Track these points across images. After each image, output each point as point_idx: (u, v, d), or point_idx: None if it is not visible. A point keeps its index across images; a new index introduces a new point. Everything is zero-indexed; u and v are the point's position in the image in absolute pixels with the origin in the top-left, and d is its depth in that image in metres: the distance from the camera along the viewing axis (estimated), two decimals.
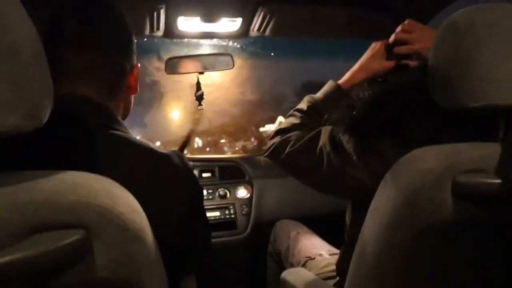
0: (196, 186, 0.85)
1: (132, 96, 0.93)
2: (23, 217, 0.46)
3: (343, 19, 1.62)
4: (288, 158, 1.10)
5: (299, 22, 1.66)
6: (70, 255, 0.47)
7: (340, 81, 1.24)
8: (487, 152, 0.68)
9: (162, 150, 0.80)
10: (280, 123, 1.24)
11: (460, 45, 0.70)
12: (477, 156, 0.67)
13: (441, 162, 0.67)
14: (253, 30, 1.67)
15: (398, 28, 1.17)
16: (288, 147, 1.09)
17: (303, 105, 1.22)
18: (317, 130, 1.06)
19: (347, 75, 1.24)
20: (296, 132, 1.13)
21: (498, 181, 0.63)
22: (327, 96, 1.21)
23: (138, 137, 0.81)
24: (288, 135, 1.13)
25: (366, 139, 0.91)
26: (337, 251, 1.39)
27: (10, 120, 0.45)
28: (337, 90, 1.21)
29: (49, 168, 0.53)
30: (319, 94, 1.23)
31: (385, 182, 0.75)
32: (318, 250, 1.47)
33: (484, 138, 0.72)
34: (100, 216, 0.50)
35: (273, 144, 1.16)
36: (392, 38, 1.18)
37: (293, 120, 1.19)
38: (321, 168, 1.00)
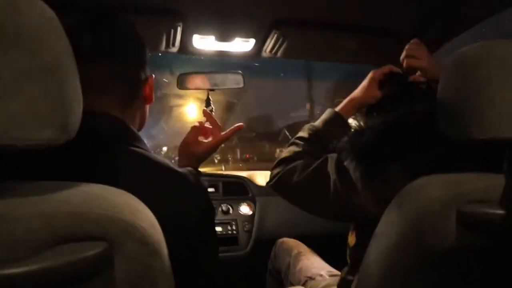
0: (208, 205, 0.87)
1: (147, 106, 0.95)
2: (51, 227, 0.47)
3: (353, 45, 1.65)
4: (294, 189, 1.09)
5: (310, 45, 1.69)
6: (92, 266, 0.48)
7: (337, 109, 1.25)
8: (492, 183, 0.70)
9: (179, 169, 0.82)
10: (281, 152, 1.24)
11: (469, 79, 0.72)
12: (482, 186, 0.69)
13: (447, 191, 0.69)
14: (265, 51, 1.70)
15: (408, 50, 1.22)
16: (295, 177, 1.07)
17: (304, 133, 1.22)
18: (323, 158, 1.05)
19: (344, 103, 1.26)
20: (300, 161, 1.11)
21: (502, 212, 0.65)
22: (326, 123, 1.22)
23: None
24: (292, 164, 1.11)
25: (374, 166, 0.93)
26: (337, 272, 1.40)
27: (45, 134, 0.47)
28: (337, 117, 1.23)
29: (71, 180, 0.55)
30: (319, 122, 1.24)
31: (391, 207, 0.77)
32: (319, 271, 1.47)
33: (489, 169, 0.74)
34: (123, 230, 0.51)
35: (277, 173, 1.13)
36: (404, 63, 1.22)
37: (295, 148, 1.19)
38: (328, 197, 1.00)
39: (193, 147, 1.13)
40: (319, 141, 1.19)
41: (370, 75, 1.26)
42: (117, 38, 0.84)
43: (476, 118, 0.71)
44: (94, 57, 0.80)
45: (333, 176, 1.00)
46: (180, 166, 1.05)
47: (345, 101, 1.26)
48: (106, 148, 0.75)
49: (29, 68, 0.46)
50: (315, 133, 1.21)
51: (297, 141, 1.22)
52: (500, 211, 0.65)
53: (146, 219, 0.56)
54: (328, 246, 1.64)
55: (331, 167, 1.02)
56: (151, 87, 0.92)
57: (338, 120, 1.22)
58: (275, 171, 1.15)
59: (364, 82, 1.25)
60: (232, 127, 1.18)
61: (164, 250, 0.58)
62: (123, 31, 0.87)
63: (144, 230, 0.53)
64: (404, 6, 1.40)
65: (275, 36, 1.56)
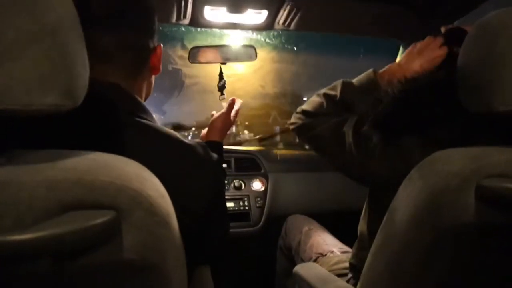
0: (218, 178, 0.86)
1: (153, 77, 0.94)
2: (57, 194, 0.47)
3: (368, 16, 1.60)
4: (312, 139, 1.14)
5: (324, 17, 1.65)
6: (100, 235, 0.48)
7: (380, 74, 1.16)
8: None
9: (188, 140, 0.81)
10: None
11: (492, 47, 0.69)
12: (503, 160, 0.66)
13: (467, 165, 0.66)
14: (278, 23, 1.67)
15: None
16: (313, 130, 1.11)
17: (335, 91, 1.16)
18: (343, 117, 1.07)
19: (387, 70, 1.16)
20: (323, 119, 1.12)
21: None
22: (361, 85, 1.15)
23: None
24: (315, 119, 1.13)
25: (391, 136, 0.91)
26: (348, 249, 1.39)
27: (48, 99, 0.46)
28: (373, 82, 1.14)
29: (78, 149, 0.54)
30: (355, 82, 1.17)
31: (408, 181, 0.74)
32: (330, 247, 1.47)
33: (511, 142, 0.71)
34: (131, 199, 0.50)
35: (299, 120, 1.17)
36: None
37: (322, 106, 1.15)
38: (343, 155, 1.03)
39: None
40: (347, 104, 1.14)
41: (410, 48, 1.16)
42: (126, 4, 0.82)
43: (498, 89, 0.68)
44: (100, 23, 0.78)
45: (348, 138, 1.01)
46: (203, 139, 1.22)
47: (387, 68, 1.17)
48: (112, 118, 0.74)
49: (31, 30, 0.45)
50: (346, 95, 1.15)
51: (326, 98, 1.16)
52: None
53: (155, 188, 0.55)
54: (339, 223, 1.63)
55: (348, 129, 1.03)
56: (159, 57, 0.90)
57: (373, 85, 1.14)
58: (297, 117, 1.19)
59: (404, 55, 1.16)
60: (238, 103, 1.33)
61: (174, 221, 0.57)
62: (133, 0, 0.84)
63: (152, 199, 0.52)
64: None
65: (288, 7, 1.53)
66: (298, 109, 1.20)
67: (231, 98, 1.33)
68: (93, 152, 0.54)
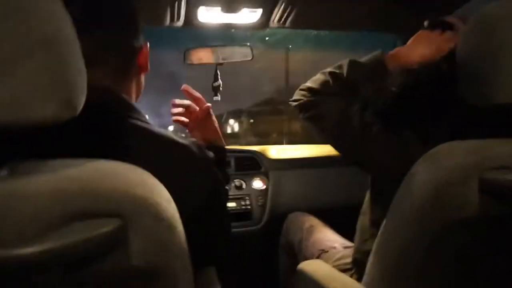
0: (215, 177, 0.85)
1: (143, 76, 0.94)
2: (61, 205, 0.47)
3: (364, 11, 1.60)
4: (315, 118, 1.11)
5: (319, 14, 1.65)
6: (107, 243, 0.48)
7: (387, 57, 1.11)
8: None
9: (182, 140, 0.80)
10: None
11: (490, 40, 0.70)
12: (505, 152, 0.67)
13: (469, 158, 0.67)
14: (273, 22, 1.66)
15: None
16: (317, 109, 1.09)
17: (342, 70, 1.12)
18: (348, 99, 1.05)
19: (395, 53, 1.12)
20: (328, 99, 1.10)
21: None
22: (368, 66, 1.12)
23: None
24: (320, 98, 1.10)
25: (391, 127, 0.92)
26: (351, 244, 1.40)
27: (48, 111, 0.46)
28: (380, 64, 1.10)
29: (77, 157, 0.54)
30: (362, 62, 1.13)
31: (411, 175, 0.75)
32: (332, 243, 1.47)
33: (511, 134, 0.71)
34: (137, 206, 0.51)
35: (303, 96, 1.14)
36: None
37: (327, 84, 1.12)
38: (346, 138, 1.03)
39: (196, 130, 1.19)
40: (353, 84, 1.11)
41: (419, 33, 1.12)
42: (106, 7, 0.82)
43: (498, 81, 0.68)
44: (84, 28, 0.78)
45: (353, 121, 1.01)
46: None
47: (398, 52, 1.12)
48: (107, 122, 0.74)
49: (28, 41, 0.45)
50: (353, 75, 1.11)
51: (332, 76, 1.13)
52: None
53: (160, 194, 0.55)
54: (341, 219, 1.63)
55: (354, 113, 1.03)
56: (146, 56, 0.90)
57: (381, 68, 1.10)
58: (301, 94, 1.15)
59: (412, 39, 1.12)
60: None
61: (179, 225, 0.58)
62: (114, 0, 0.84)
63: (158, 205, 0.53)
64: None
65: (283, 5, 1.53)
66: (302, 86, 1.17)
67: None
68: (95, 159, 0.54)
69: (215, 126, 1.20)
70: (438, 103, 0.87)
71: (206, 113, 1.18)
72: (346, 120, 1.02)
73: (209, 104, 1.20)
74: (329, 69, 1.15)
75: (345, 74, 1.10)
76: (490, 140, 0.70)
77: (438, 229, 0.68)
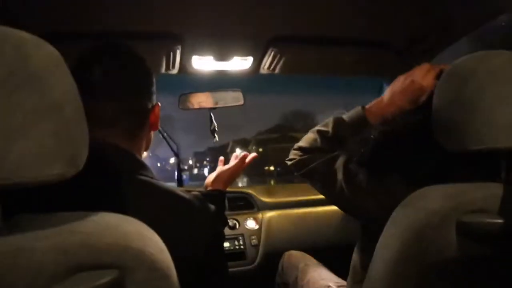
0: (216, 230, 0.89)
1: (152, 132, 0.98)
2: (65, 258, 0.50)
3: (350, 59, 1.66)
4: (307, 174, 1.17)
5: (308, 61, 1.71)
6: None
7: (367, 111, 1.17)
8: (490, 192, 0.71)
9: (185, 195, 0.84)
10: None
11: (463, 90, 0.74)
12: (481, 196, 0.71)
13: (447, 202, 0.71)
14: (263, 68, 1.72)
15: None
16: (308, 166, 1.16)
17: (328, 127, 1.19)
18: (334, 154, 1.12)
19: (374, 105, 1.17)
20: (318, 155, 1.16)
21: (501, 221, 0.66)
22: (352, 121, 1.17)
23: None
24: (311, 156, 1.17)
25: (376, 175, 0.97)
26: (345, 282, 1.41)
27: (54, 170, 0.50)
28: (363, 118, 1.16)
29: (82, 210, 0.57)
30: (346, 118, 1.19)
31: (393, 219, 0.78)
32: (326, 282, 1.49)
33: (487, 178, 0.76)
34: (134, 257, 0.53)
35: (296, 155, 1.21)
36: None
37: (316, 142, 1.19)
38: (335, 190, 1.08)
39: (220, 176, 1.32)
40: (340, 140, 1.18)
41: (401, 79, 1.14)
42: (125, 73, 0.86)
43: (471, 129, 0.72)
44: (103, 93, 0.82)
45: (339, 174, 1.07)
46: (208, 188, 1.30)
47: (375, 105, 1.17)
48: (115, 178, 0.77)
49: (37, 107, 0.48)
50: (339, 132, 1.17)
51: (319, 134, 1.19)
52: (499, 220, 0.67)
53: (155, 245, 0.58)
54: (335, 258, 1.65)
55: (339, 166, 1.09)
56: (157, 115, 0.94)
57: (364, 124, 1.16)
58: (295, 154, 1.22)
59: (397, 88, 1.13)
60: (250, 156, 1.37)
61: (174, 274, 0.60)
62: (131, 65, 0.88)
63: (153, 256, 0.55)
64: (399, 20, 1.42)
65: (273, 53, 1.58)
66: (295, 146, 1.24)
67: (243, 153, 1.37)
68: (96, 213, 0.57)
69: (229, 177, 1.32)
70: (417, 149, 0.92)
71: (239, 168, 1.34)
72: (333, 174, 1.09)
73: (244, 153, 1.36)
74: (317, 128, 1.22)
75: (330, 132, 1.17)
76: (466, 184, 0.75)
77: (420, 272, 0.71)
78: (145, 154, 0.96)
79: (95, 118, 0.76)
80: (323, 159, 1.13)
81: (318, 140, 1.19)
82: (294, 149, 1.24)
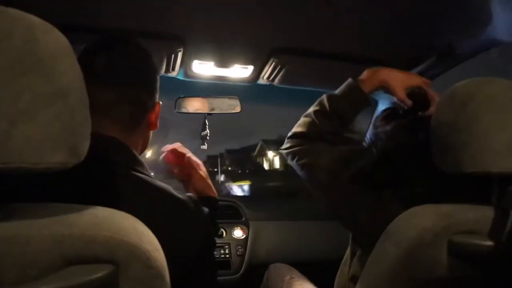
0: (207, 231, 0.88)
1: (151, 132, 0.97)
2: (61, 249, 0.49)
3: (349, 74, 1.68)
4: (306, 167, 1.12)
5: (307, 73, 1.72)
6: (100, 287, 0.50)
7: (359, 80, 1.18)
8: (482, 214, 0.72)
9: (180, 195, 0.83)
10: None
11: (460, 115, 0.76)
12: (472, 218, 0.72)
13: (439, 222, 0.72)
14: (263, 78, 1.73)
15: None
16: (310, 158, 1.11)
17: (323, 105, 1.15)
18: (342, 152, 1.09)
19: (365, 75, 1.18)
20: (321, 146, 1.12)
21: (491, 243, 0.67)
22: (346, 94, 1.15)
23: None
24: (313, 145, 1.12)
25: (372, 189, 0.97)
26: None
27: (56, 157, 0.49)
28: (357, 89, 1.15)
29: (77, 202, 0.57)
30: (338, 92, 1.17)
31: (385, 235, 0.79)
32: None
33: (479, 200, 0.77)
34: (129, 253, 0.53)
35: (295, 143, 1.15)
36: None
37: (314, 124, 1.14)
38: (333, 187, 1.05)
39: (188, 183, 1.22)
40: (337, 117, 1.14)
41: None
42: (130, 64, 0.86)
43: (467, 152, 0.74)
44: (104, 80, 0.82)
45: (345, 176, 1.04)
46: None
47: (368, 76, 1.18)
48: (110, 172, 0.77)
49: (44, 93, 0.48)
50: (336, 107, 1.14)
51: (316, 116, 1.15)
52: (489, 242, 0.68)
53: (151, 242, 0.57)
54: (320, 272, 1.64)
55: (345, 166, 1.05)
56: (157, 114, 0.93)
57: (358, 94, 1.15)
58: (291, 142, 1.17)
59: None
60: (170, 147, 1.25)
61: (167, 273, 0.60)
62: (137, 57, 0.88)
63: (149, 253, 0.55)
64: (399, 39, 1.44)
65: (273, 63, 1.59)
66: (290, 134, 1.19)
67: (166, 149, 1.25)
68: (94, 207, 0.56)
69: (205, 177, 1.22)
70: (416, 167, 0.93)
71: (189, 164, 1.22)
72: (338, 173, 1.05)
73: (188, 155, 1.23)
74: (310, 110, 1.18)
75: (328, 108, 1.14)
76: (460, 205, 0.76)
77: (411, 287, 0.72)
78: (148, 155, 0.95)
79: (93, 104, 0.73)
80: (330, 154, 1.08)
81: (317, 121, 1.14)
82: (289, 137, 1.18)
